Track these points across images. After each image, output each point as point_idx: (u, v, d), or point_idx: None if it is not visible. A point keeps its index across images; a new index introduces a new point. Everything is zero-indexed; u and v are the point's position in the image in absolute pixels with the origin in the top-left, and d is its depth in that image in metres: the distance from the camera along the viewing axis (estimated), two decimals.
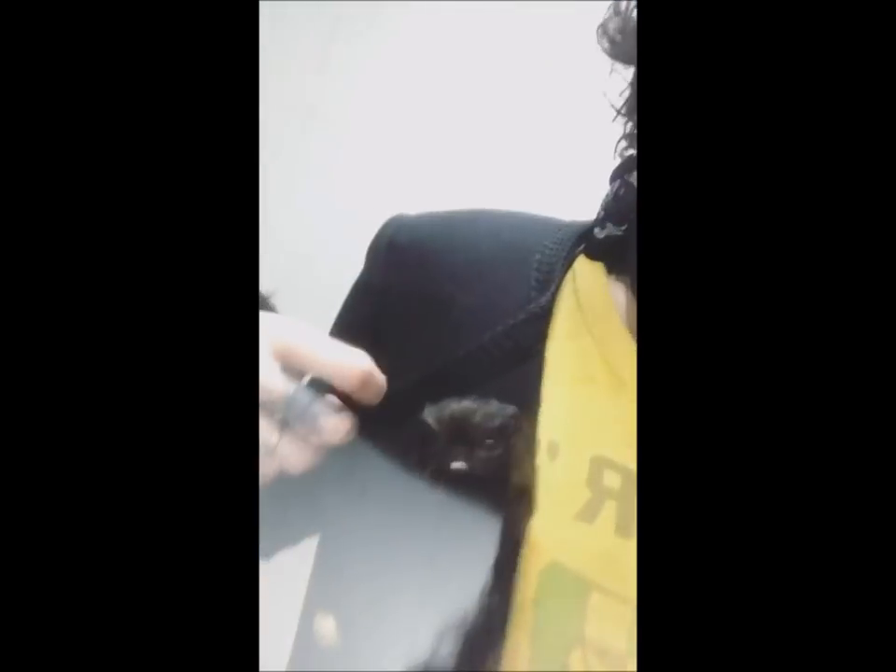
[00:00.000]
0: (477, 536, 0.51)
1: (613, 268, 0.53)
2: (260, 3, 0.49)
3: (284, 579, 0.77)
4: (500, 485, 0.49)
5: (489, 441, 0.49)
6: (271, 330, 0.47)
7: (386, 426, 0.51)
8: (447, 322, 0.53)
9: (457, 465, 0.49)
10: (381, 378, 0.48)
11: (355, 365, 0.47)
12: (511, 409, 0.49)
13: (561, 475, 0.50)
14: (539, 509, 0.50)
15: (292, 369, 0.47)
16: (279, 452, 0.47)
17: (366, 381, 0.47)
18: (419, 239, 0.56)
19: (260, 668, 0.45)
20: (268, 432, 0.46)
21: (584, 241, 0.54)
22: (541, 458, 0.50)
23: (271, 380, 0.46)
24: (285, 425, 0.47)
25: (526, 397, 0.50)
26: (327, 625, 0.56)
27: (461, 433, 0.49)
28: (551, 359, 0.52)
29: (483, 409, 0.49)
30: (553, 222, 0.56)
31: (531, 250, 0.54)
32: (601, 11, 0.55)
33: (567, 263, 0.53)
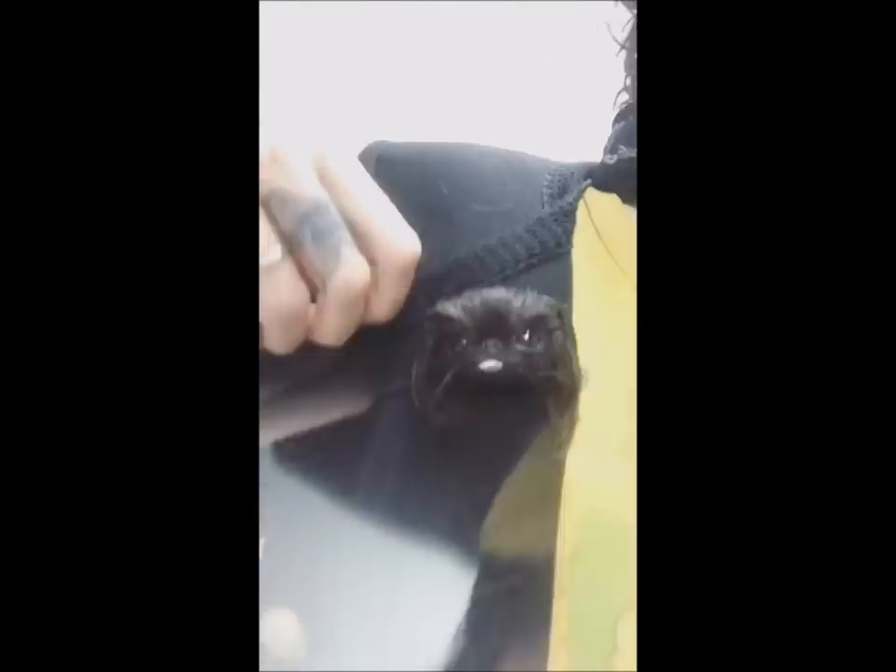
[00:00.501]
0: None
1: (628, 198, 0.49)
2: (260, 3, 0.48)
3: None
4: (541, 390, 0.41)
5: (526, 336, 0.41)
6: (320, 145, 0.39)
7: (388, 333, 0.43)
8: (453, 231, 0.46)
9: (489, 364, 0.40)
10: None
11: (407, 244, 0.41)
12: (548, 298, 0.42)
13: (595, 404, 0.43)
14: (573, 443, 0.42)
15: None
16: (272, 278, 0.37)
17: (410, 270, 0.41)
18: (412, 157, 0.49)
19: None
20: (269, 243, 0.37)
21: (592, 174, 0.50)
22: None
23: (298, 176, 0.37)
24: (296, 238, 0.37)
25: (559, 294, 0.43)
26: (286, 624, 0.44)
27: (496, 325, 0.41)
28: (577, 280, 0.45)
29: (521, 296, 0.41)
30: (553, 161, 0.52)
31: (538, 171, 0.49)
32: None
33: (579, 190, 0.48)
